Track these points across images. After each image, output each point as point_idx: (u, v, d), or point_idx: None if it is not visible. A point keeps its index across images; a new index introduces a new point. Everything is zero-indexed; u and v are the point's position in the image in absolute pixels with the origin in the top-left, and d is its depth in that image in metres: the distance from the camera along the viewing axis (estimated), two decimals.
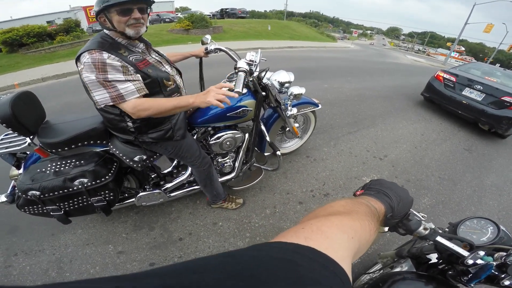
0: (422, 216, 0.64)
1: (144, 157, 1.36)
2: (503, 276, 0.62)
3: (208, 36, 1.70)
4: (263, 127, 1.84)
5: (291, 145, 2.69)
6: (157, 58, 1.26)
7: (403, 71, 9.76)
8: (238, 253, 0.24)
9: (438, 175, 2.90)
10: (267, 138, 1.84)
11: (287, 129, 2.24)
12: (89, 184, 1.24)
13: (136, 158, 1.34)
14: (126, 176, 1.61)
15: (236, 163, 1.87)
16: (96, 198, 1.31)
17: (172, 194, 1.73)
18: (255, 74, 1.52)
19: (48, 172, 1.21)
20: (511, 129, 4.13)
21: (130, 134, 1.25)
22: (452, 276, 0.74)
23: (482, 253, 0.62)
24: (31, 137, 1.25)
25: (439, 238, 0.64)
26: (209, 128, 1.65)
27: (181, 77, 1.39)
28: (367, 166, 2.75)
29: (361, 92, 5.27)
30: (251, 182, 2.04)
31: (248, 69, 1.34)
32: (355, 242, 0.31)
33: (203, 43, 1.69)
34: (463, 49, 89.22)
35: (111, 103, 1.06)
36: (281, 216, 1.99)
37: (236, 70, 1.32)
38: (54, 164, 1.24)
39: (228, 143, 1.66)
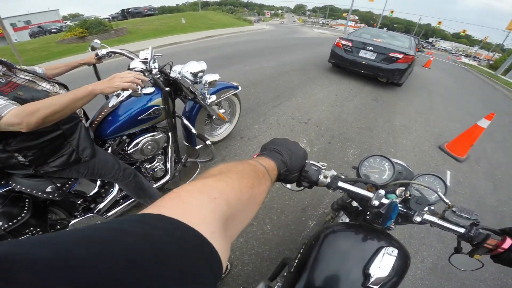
0: (321, 165, 0.63)
1: (58, 184, 1.21)
2: (411, 213, 0.61)
3: (98, 41, 1.59)
4: (186, 121, 1.81)
5: (223, 131, 2.74)
6: (27, 77, 1.08)
7: (312, 44, 10.80)
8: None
9: (356, 125, 3.41)
10: (193, 131, 1.81)
11: (214, 117, 2.26)
12: (6, 226, 1.09)
13: (48, 189, 1.19)
14: (48, 209, 1.41)
15: (167, 164, 1.79)
16: (24, 237, 1.13)
17: (109, 214, 1.60)
18: (154, 71, 1.47)
19: None
20: (403, 78, 5.17)
21: (27, 168, 1.08)
22: (371, 221, 0.73)
23: (382, 191, 0.61)
24: None
25: (340, 184, 0.63)
26: (124, 137, 1.53)
27: (68, 91, 1.21)
28: (295, 132, 3.03)
29: (279, 69, 5.65)
30: (189, 178, 2.00)
31: (144, 68, 1.31)
32: (220, 202, 0.30)
33: (93, 48, 1.56)
34: (357, 18, 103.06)
35: None
36: None
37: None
38: None
39: (149, 147, 1.58)
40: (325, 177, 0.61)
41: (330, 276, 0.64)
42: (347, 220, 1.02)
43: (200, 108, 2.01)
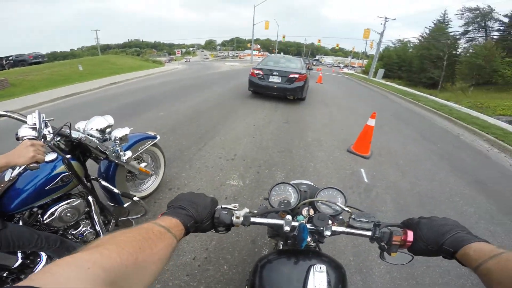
0: (233, 207, 0.65)
1: None
2: (321, 229, 0.63)
3: None
4: (104, 183, 1.68)
5: (150, 184, 2.52)
6: None
7: (226, 77, 11.54)
8: None
9: (277, 150, 3.67)
10: (115, 190, 1.70)
11: (136, 172, 2.06)
12: None
13: None
14: None
15: (97, 227, 1.61)
16: None
17: None
18: (49, 137, 1.28)
19: None
20: (304, 92, 6.57)
21: None
22: (292, 244, 0.77)
23: (289, 217, 0.64)
24: None
25: (253, 219, 0.66)
26: (34, 209, 1.33)
27: None
28: (225, 171, 3.02)
29: (197, 108, 5.70)
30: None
31: (35, 135, 1.14)
32: (96, 270, 0.32)
33: None
34: (259, 46, 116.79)
35: None
36: None
37: (21, 141, 1.08)
38: None
39: (68, 214, 1.40)
40: (237, 217, 0.63)
41: None
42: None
43: (117, 165, 1.83)
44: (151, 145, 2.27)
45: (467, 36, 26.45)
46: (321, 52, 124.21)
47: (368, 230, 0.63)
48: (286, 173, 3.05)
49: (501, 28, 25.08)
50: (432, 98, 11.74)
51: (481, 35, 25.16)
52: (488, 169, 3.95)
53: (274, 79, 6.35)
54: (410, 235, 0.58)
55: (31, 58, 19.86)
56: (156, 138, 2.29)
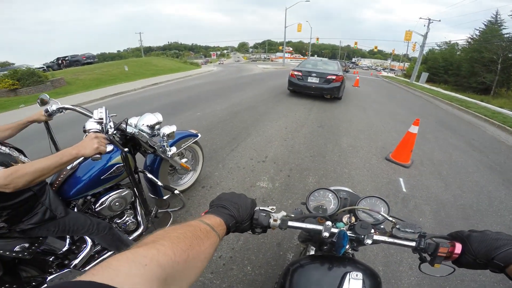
0: (271, 209, 0.66)
1: (26, 245, 1.17)
2: (361, 237, 0.63)
3: (47, 95, 1.51)
4: (149, 175, 1.80)
5: (188, 179, 2.67)
6: None
7: (258, 80, 11.68)
8: None
9: (309, 154, 3.62)
10: (159, 183, 1.81)
11: (177, 167, 2.20)
12: None
13: (16, 249, 1.16)
14: (19, 267, 1.31)
15: (138, 217, 1.75)
16: None
17: (86, 268, 1.48)
18: (110, 131, 1.41)
19: None
20: (340, 92, 7.25)
21: (1, 228, 1.09)
22: (328, 250, 0.77)
23: (329, 223, 0.63)
24: None
25: (290, 223, 0.65)
26: (88, 197, 1.48)
27: (25, 156, 1.18)
28: (256, 172, 3.07)
29: (230, 110, 5.86)
30: (163, 228, 1.90)
31: (100, 129, 1.27)
32: (152, 267, 0.32)
33: (43, 102, 1.49)
34: (291, 49, 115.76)
35: None
36: None
37: (86, 134, 1.20)
38: None
39: (117, 203, 1.54)
40: (275, 220, 0.64)
41: None
42: (313, 252, 1.04)
43: (162, 159, 1.98)
44: (192, 143, 2.40)
45: None
46: (358, 55, 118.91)
47: (412, 240, 0.61)
48: (318, 179, 2.99)
49: None
50: (483, 105, 10.59)
51: None
52: None
53: (313, 80, 7.01)
54: (458, 248, 0.56)
55: (84, 58, 22.22)
56: (197, 136, 2.41)
